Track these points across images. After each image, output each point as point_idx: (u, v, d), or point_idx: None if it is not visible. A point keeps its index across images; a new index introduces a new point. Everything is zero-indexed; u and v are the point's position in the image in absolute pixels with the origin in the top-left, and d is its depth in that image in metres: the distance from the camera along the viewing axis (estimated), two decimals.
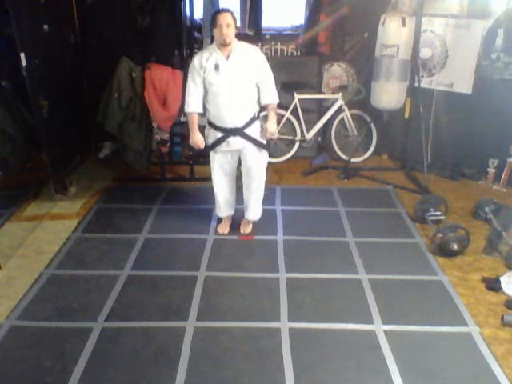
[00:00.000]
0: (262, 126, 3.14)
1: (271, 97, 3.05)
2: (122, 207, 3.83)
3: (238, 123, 3.03)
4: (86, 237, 3.38)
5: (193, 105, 3.03)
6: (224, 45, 2.86)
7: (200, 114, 3.10)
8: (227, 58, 2.90)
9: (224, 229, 3.46)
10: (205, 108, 3.08)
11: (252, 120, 3.08)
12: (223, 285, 2.85)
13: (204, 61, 2.91)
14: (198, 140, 3.10)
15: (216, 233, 3.42)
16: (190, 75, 3.01)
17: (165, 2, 4.20)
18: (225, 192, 3.33)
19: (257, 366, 2.23)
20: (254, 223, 3.47)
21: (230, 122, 3.02)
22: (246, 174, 3.27)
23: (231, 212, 3.46)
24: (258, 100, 3.07)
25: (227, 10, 2.88)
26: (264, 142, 3.16)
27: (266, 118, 3.14)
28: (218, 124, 3.05)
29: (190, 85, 3.01)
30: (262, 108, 3.14)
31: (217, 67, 2.89)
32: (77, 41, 4.43)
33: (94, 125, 4.19)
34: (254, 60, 2.96)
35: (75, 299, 2.69)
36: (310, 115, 4.84)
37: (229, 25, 2.79)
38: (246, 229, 3.44)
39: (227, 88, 2.92)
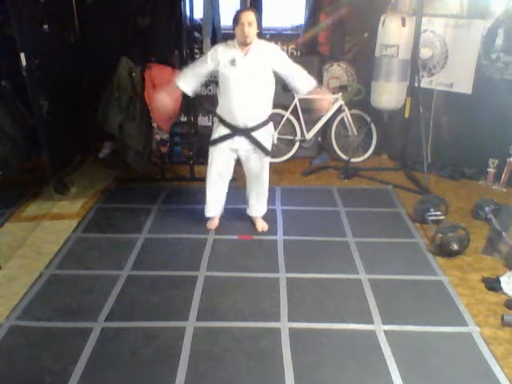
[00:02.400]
0: (270, 133, 3.13)
1: (308, 83, 3.01)
2: (122, 207, 3.83)
3: (249, 122, 3.01)
4: (86, 237, 3.38)
5: (182, 84, 3.02)
6: (245, 44, 2.85)
7: (211, 111, 3.11)
8: (245, 54, 2.88)
9: (212, 225, 3.46)
10: (217, 102, 3.09)
11: (263, 124, 3.06)
12: (223, 285, 2.85)
13: (219, 54, 2.90)
14: (162, 97, 3.05)
15: (216, 233, 3.42)
16: (199, 60, 3.03)
17: (165, 2, 4.19)
18: (214, 191, 3.30)
19: (257, 366, 2.23)
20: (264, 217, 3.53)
21: (240, 120, 2.99)
22: (251, 176, 3.27)
23: (218, 213, 3.45)
24: (273, 101, 3.06)
25: (250, 9, 2.89)
26: (269, 148, 3.15)
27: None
28: (228, 120, 3.03)
29: (190, 68, 3.04)
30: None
31: (233, 62, 2.87)
32: (77, 41, 4.43)
33: (94, 125, 4.18)
34: (274, 58, 2.94)
35: (75, 299, 2.69)
36: (310, 115, 4.83)
37: (251, 23, 2.78)
38: (264, 225, 3.47)
39: (242, 83, 2.90)
